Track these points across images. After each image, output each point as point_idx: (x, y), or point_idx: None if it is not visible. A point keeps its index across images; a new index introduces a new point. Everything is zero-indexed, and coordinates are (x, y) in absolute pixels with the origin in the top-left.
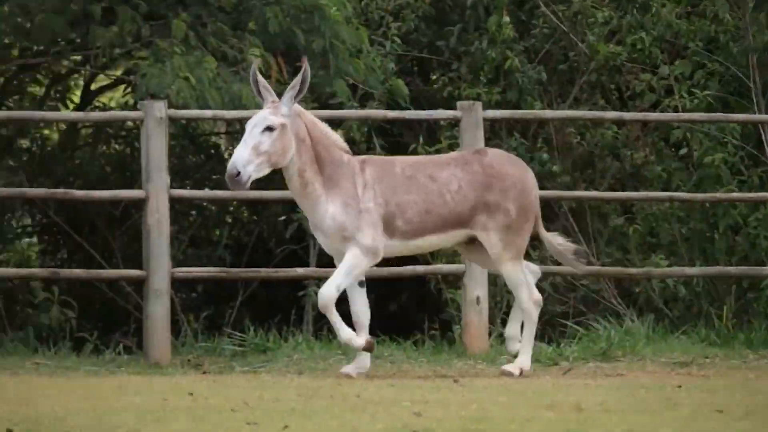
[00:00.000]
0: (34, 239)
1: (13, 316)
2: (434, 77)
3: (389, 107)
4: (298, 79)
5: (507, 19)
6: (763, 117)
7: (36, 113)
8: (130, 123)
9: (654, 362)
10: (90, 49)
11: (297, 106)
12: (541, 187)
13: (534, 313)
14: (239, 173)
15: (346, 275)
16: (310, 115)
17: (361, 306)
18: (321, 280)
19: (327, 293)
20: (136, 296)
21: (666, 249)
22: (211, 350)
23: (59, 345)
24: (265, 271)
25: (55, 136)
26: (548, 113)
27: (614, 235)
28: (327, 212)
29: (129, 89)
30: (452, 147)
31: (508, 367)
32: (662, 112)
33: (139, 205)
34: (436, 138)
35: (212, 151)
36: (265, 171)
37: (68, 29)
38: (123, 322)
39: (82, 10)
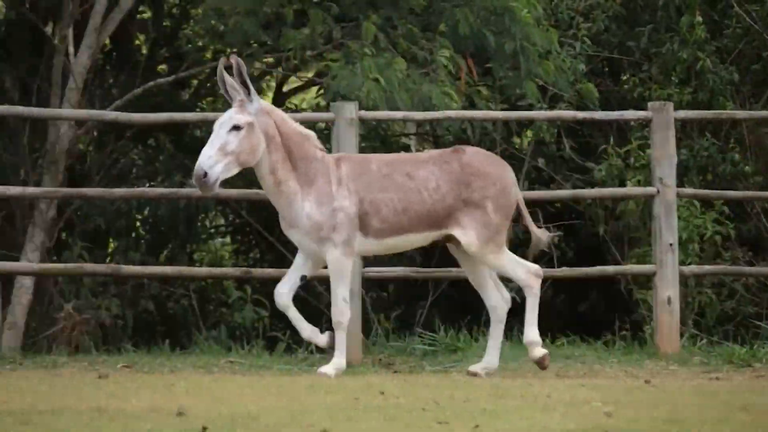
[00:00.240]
0: (227, 239)
1: (207, 316)
2: (624, 78)
3: (579, 109)
4: (244, 79)
5: (699, 19)
6: None
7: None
8: (321, 124)
9: None
10: (282, 51)
11: (265, 104)
12: (733, 188)
13: (536, 286)
14: (206, 174)
15: (342, 284)
16: (280, 112)
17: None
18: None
19: (339, 311)
20: (327, 296)
21: None
22: (401, 350)
23: (252, 344)
24: (455, 271)
25: None
26: (741, 113)
27: None
28: (303, 210)
29: (320, 91)
30: (642, 148)
31: (530, 345)
32: None
33: None
34: (627, 139)
35: (402, 151)
36: (234, 171)
37: (261, 31)
38: (317, 321)
39: (274, 13)
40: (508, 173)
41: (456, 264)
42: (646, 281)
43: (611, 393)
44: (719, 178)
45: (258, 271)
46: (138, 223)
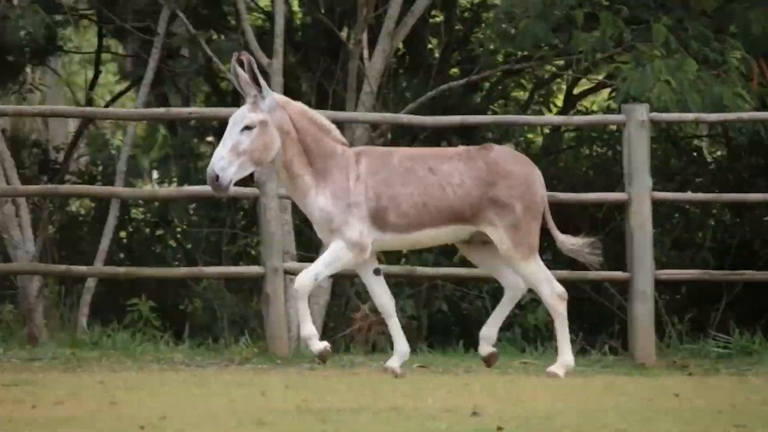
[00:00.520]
0: None
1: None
2: None
3: None
4: (255, 75)
5: None
6: None
7: (520, 117)
8: (612, 126)
9: None
10: (572, 54)
11: (281, 98)
12: None
13: (560, 308)
14: (218, 177)
15: (326, 266)
16: (298, 105)
17: (383, 295)
18: None
19: (303, 281)
20: (620, 298)
21: None
22: (696, 352)
23: (545, 345)
24: (749, 273)
25: (539, 139)
26: None
27: None
28: (316, 203)
29: (612, 93)
30: None
31: (553, 369)
32: None
33: (622, 207)
34: None
35: (694, 153)
36: (249, 170)
37: (551, 34)
38: (608, 322)
39: (564, 16)
40: (535, 173)
41: (750, 266)
42: None
43: None
44: None
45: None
46: None
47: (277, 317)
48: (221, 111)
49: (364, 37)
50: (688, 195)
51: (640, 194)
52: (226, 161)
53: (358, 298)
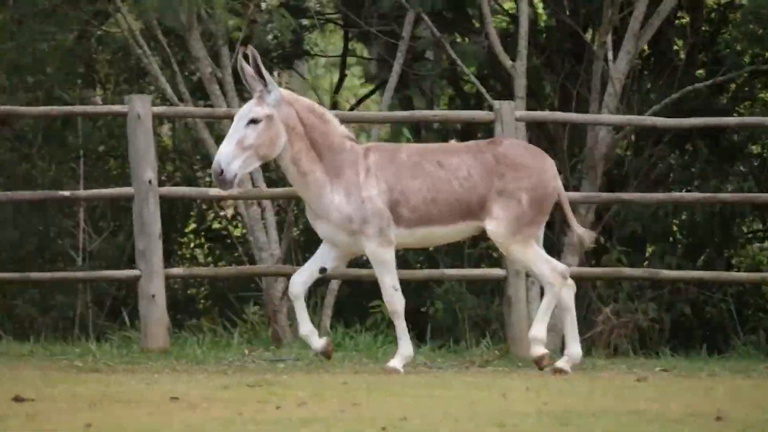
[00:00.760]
0: (766, 244)
1: (746, 320)
2: None
3: None
4: (260, 70)
5: None
6: None
7: (766, 119)
8: None
9: None
10: None
11: (289, 93)
12: None
13: (557, 284)
14: (223, 172)
15: (387, 273)
16: (305, 101)
17: (304, 283)
18: None
19: (393, 300)
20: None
21: None
22: None
23: None
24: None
25: None
26: None
27: None
28: (332, 203)
29: None
30: None
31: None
32: None
33: None
34: None
35: None
36: (255, 165)
37: None
38: None
39: None
40: (547, 166)
41: None
42: None
43: None
44: None
45: None
46: (675, 228)
47: (518, 320)
48: (464, 114)
49: (609, 38)
50: None
51: None
52: (230, 156)
53: (600, 301)
